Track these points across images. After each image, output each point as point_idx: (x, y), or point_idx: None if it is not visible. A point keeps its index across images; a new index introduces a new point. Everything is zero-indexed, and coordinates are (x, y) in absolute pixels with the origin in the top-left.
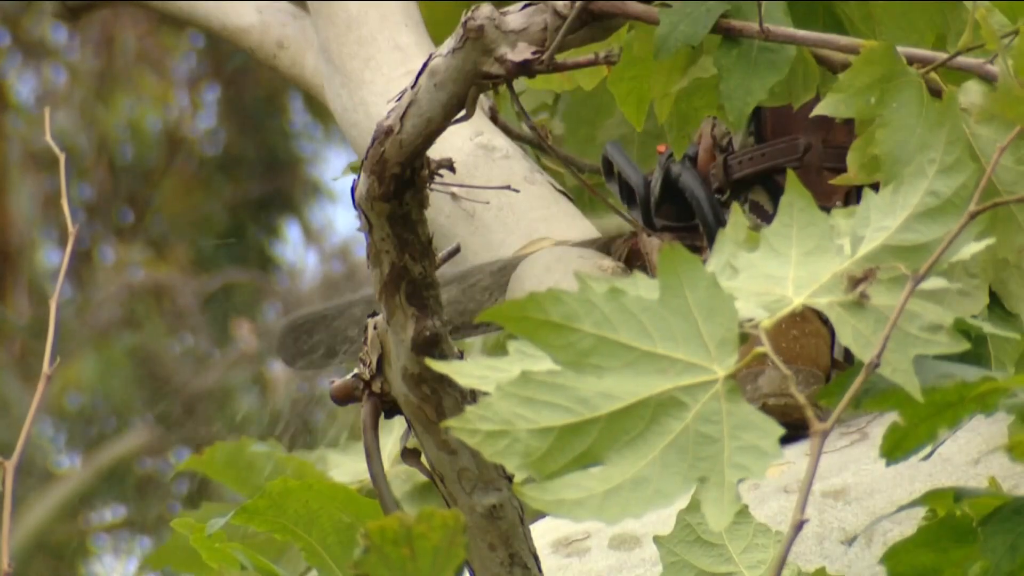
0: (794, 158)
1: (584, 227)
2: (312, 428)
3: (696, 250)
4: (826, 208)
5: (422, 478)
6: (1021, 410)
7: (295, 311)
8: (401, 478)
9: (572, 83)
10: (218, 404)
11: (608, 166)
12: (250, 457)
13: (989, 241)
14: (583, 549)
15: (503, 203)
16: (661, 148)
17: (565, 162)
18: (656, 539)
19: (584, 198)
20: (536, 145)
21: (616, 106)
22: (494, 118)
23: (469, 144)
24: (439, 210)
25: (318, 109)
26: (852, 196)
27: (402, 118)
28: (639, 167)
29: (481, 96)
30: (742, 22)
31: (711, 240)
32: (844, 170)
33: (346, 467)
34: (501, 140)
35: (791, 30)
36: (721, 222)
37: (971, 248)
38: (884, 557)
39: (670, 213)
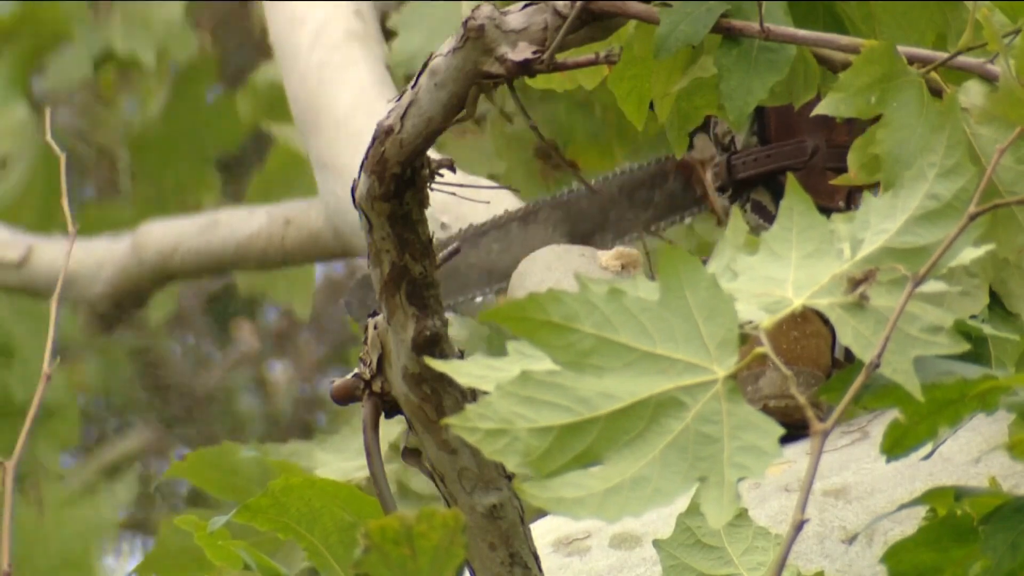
0: (801, 160)
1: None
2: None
3: None
4: (829, 208)
5: (403, 479)
6: (1022, 409)
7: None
8: None
9: (573, 83)
10: (219, 405)
11: None
12: (234, 462)
13: (989, 247)
14: (583, 548)
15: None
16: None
17: (566, 166)
18: (656, 542)
19: None
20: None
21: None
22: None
23: None
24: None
25: None
26: (854, 195)
27: (402, 118)
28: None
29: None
30: (742, 22)
31: None
32: (847, 170)
33: (333, 466)
34: None
35: (791, 30)
36: None
37: (970, 253)
38: (885, 556)
39: None
